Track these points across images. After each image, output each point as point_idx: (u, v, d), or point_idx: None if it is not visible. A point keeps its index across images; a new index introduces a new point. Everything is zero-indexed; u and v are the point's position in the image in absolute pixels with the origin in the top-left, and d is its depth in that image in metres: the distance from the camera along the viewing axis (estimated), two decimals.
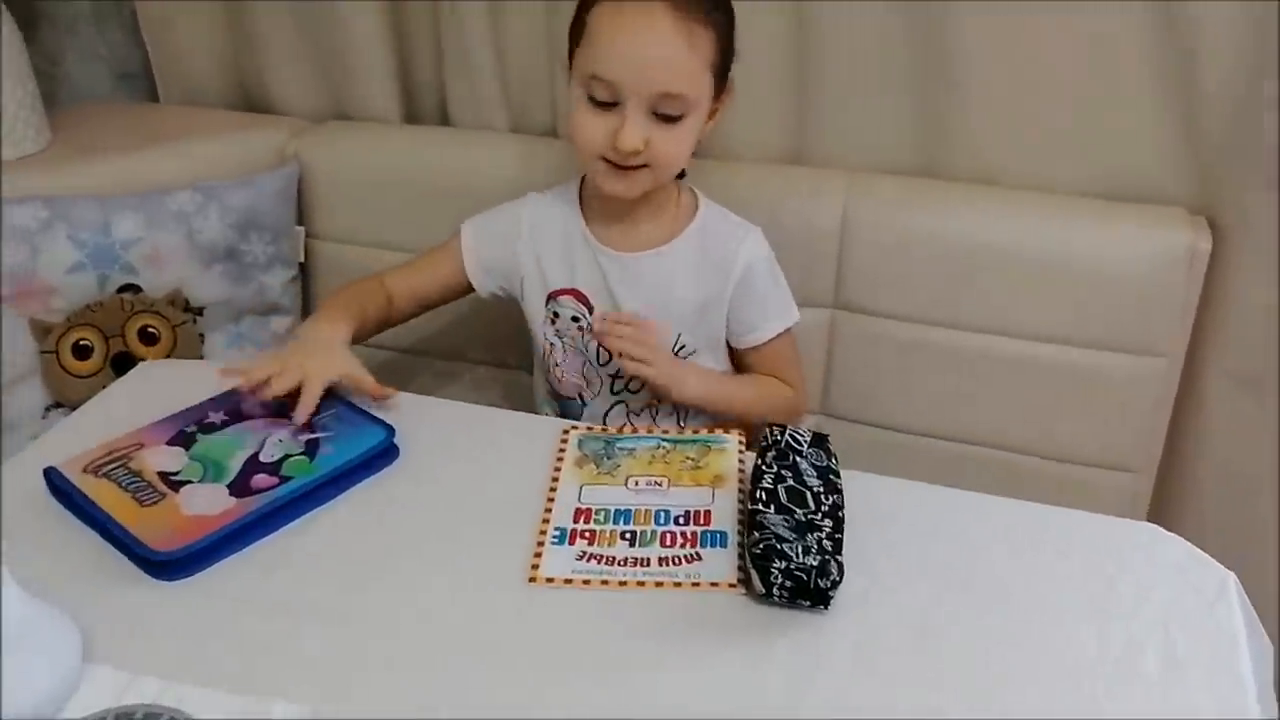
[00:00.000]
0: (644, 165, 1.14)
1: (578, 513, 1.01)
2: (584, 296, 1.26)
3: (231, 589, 0.91)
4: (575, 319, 1.27)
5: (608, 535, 0.98)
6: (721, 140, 1.47)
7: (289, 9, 1.65)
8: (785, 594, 0.87)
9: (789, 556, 0.87)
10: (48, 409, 1.46)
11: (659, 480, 1.05)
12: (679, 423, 1.31)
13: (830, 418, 1.50)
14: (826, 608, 0.88)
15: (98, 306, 1.44)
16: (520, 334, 1.38)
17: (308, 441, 1.06)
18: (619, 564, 0.94)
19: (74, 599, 0.84)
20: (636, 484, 1.05)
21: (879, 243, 1.40)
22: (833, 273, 1.42)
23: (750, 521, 0.93)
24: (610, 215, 1.25)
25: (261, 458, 1.04)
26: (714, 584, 0.92)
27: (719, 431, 1.12)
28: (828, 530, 0.92)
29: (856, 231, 1.40)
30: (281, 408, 1.09)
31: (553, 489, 1.04)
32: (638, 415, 1.32)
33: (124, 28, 1.83)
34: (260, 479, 1.01)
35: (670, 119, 1.12)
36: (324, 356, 1.13)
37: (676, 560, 0.94)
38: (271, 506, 0.97)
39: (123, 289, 1.47)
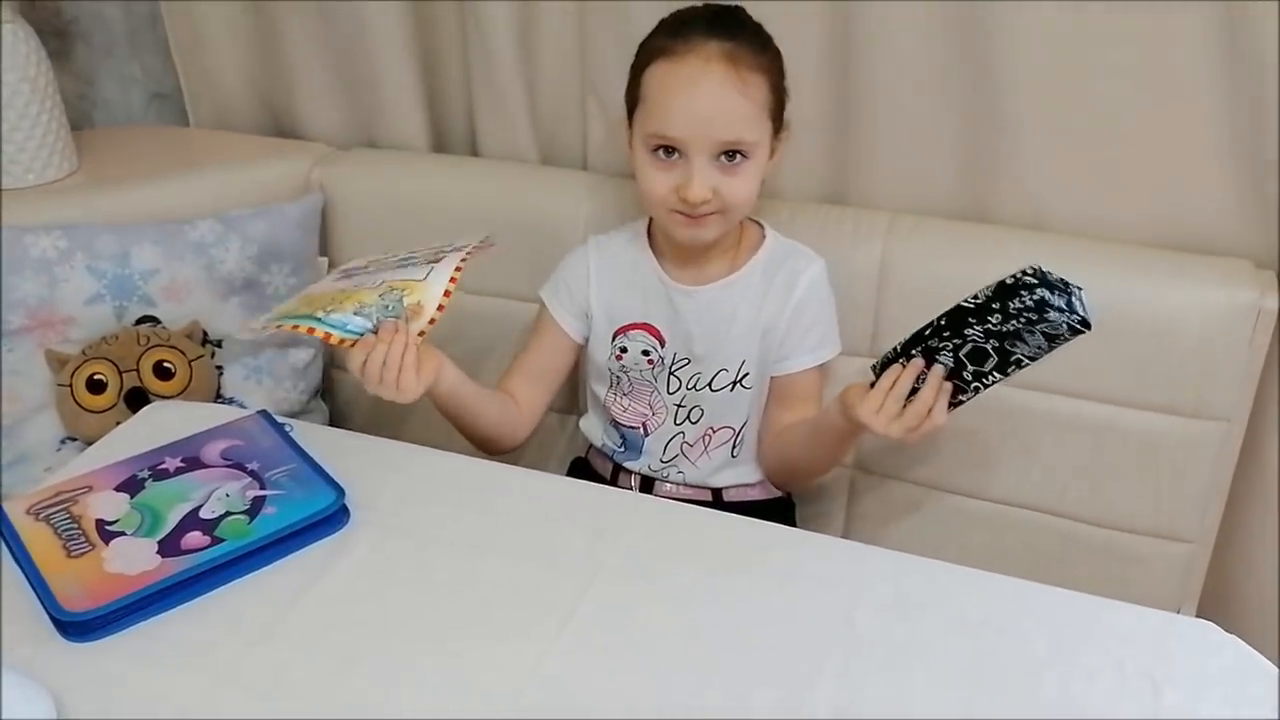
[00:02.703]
0: (715, 212, 1.16)
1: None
2: (656, 331, 1.28)
3: (145, 652, 0.88)
4: (646, 352, 1.29)
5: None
6: None
7: (319, 34, 1.63)
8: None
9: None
10: (63, 442, 1.43)
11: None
12: (732, 453, 1.31)
13: (865, 473, 1.43)
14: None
15: (113, 339, 1.41)
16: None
17: (254, 499, 1.01)
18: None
19: None
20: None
21: (920, 289, 1.32)
22: (870, 319, 1.36)
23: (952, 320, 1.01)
24: (682, 254, 1.27)
25: (203, 513, 1.00)
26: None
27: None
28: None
29: (896, 276, 1.34)
30: (241, 461, 1.06)
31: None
32: (692, 446, 1.31)
33: (157, 50, 1.82)
34: (192, 538, 0.96)
35: (734, 165, 1.14)
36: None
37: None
38: (196, 571, 0.93)
39: (140, 321, 1.44)
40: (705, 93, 1.10)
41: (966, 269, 1.30)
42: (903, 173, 1.40)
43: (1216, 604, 1.37)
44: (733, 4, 1.19)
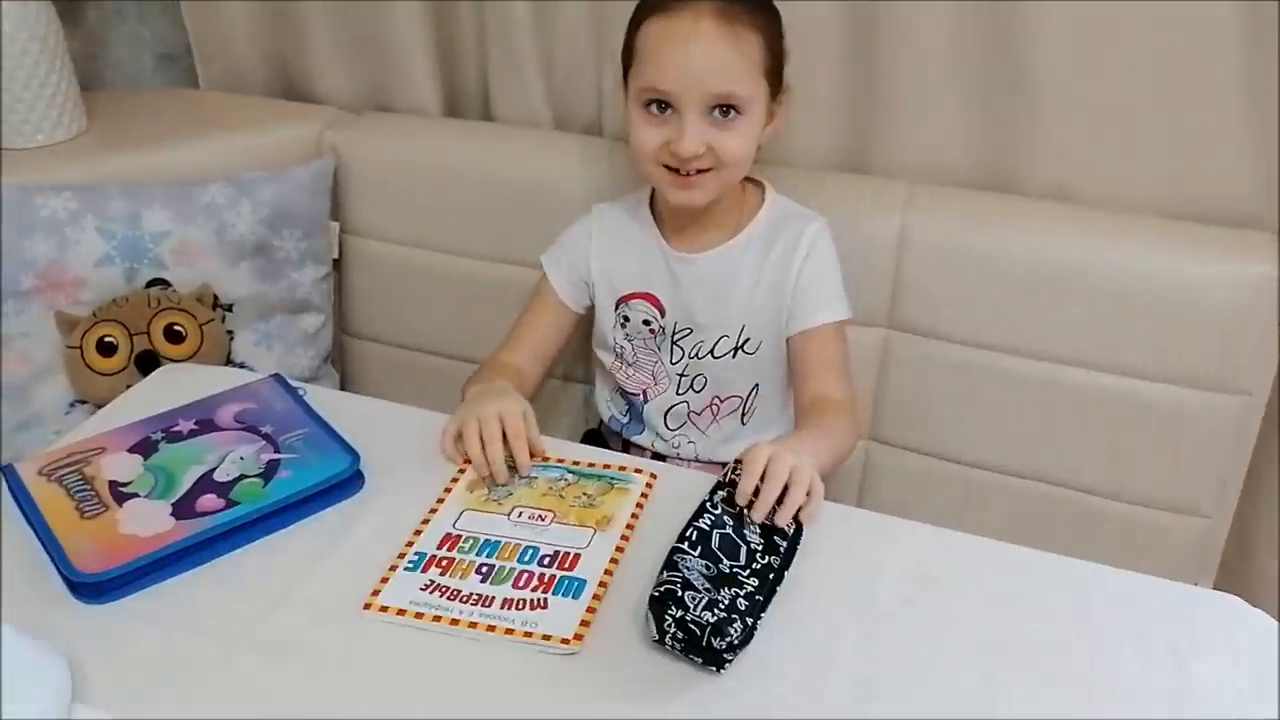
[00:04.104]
0: (709, 169, 1.14)
1: (445, 539, 0.96)
2: (656, 300, 1.27)
3: (159, 614, 0.87)
4: (647, 322, 1.28)
5: (464, 567, 0.92)
6: (776, 144, 1.40)
7: None
8: (677, 645, 0.82)
9: (686, 606, 0.82)
10: (72, 404, 1.42)
11: (544, 514, 0.99)
12: (741, 420, 1.30)
13: (880, 444, 1.42)
14: (719, 670, 0.81)
15: (124, 302, 1.39)
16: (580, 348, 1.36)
17: (268, 463, 1.01)
18: (462, 599, 0.88)
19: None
20: (520, 515, 0.99)
21: (940, 260, 1.32)
22: (889, 290, 1.34)
23: (666, 559, 0.88)
24: (683, 221, 1.25)
25: (217, 475, 0.99)
26: (546, 636, 0.85)
27: (631, 470, 1.06)
28: (749, 589, 0.86)
29: (916, 246, 1.32)
30: (255, 424, 1.06)
31: (434, 509, 0.99)
32: (699, 414, 1.30)
33: (167, 11, 1.80)
34: (207, 500, 0.96)
35: (727, 120, 1.12)
36: (503, 396, 1.09)
37: (521, 604, 0.88)
38: (210, 534, 0.92)
39: (151, 283, 1.43)
40: (697, 45, 1.09)
41: (986, 240, 1.31)
42: (923, 141, 1.38)
43: (1232, 578, 1.37)
44: None
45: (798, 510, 0.94)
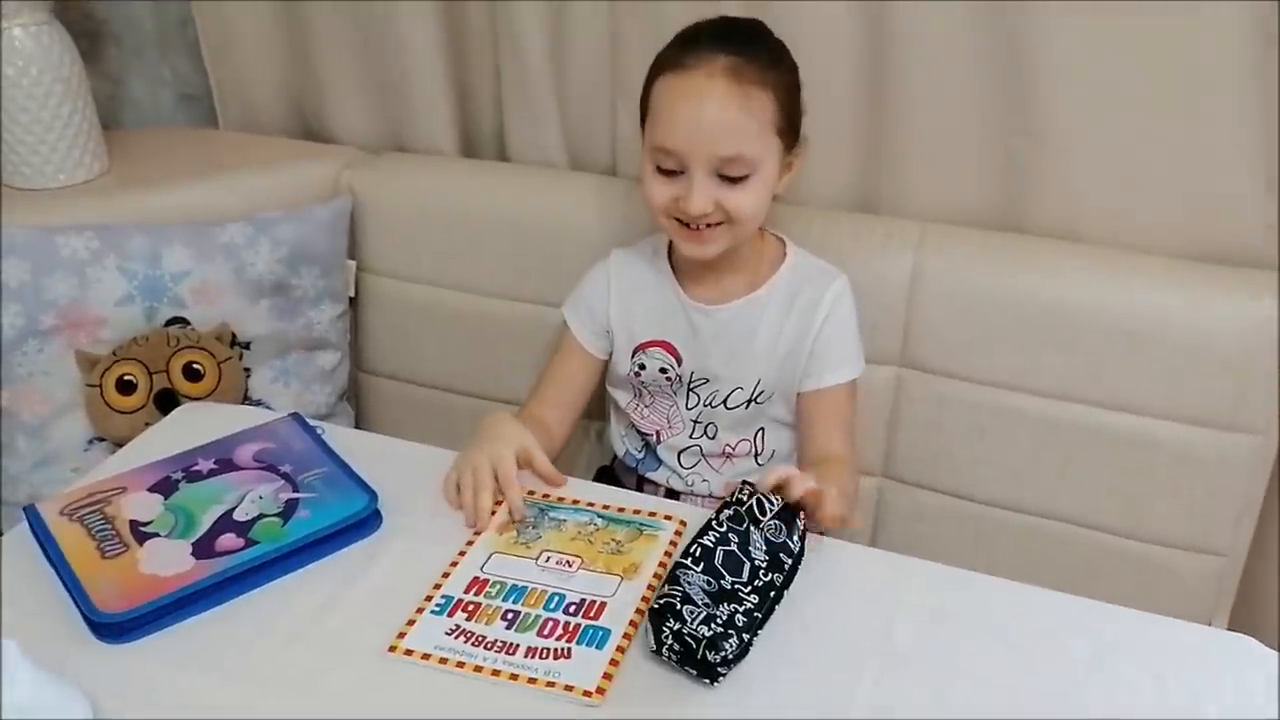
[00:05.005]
0: (720, 223, 1.15)
1: (473, 583, 0.96)
2: (674, 349, 1.27)
3: (179, 654, 0.88)
4: (664, 370, 1.28)
5: (490, 612, 0.92)
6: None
7: (350, 37, 1.63)
8: (673, 656, 0.84)
9: (683, 619, 0.84)
10: (90, 442, 1.44)
11: (571, 559, 0.99)
12: (756, 462, 1.30)
13: (893, 481, 1.43)
14: (713, 683, 0.84)
15: (144, 340, 1.41)
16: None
17: (287, 502, 1.01)
18: (487, 646, 0.89)
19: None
20: (547, 560, 0.99)
21: (952, 299, 1.33)
22: (901, 329, 1.35)
23: (669, 573, 0.91)
24: (699, 270, 1.25)
25: (236, 515, 1.00)
26: (569, 687, 0.84)
27: (661, 516, 1.06)
28: (749, 606, 0.88)
29: (928, 286, 1.33)
30: (274, 463, 1.07)
31: (462, 552, 1.00)
32: (712, 458, 1.31)
33: (187, 51, 1.83)
34: (226, 540, 0.96)
35: (736, 180, 1.12)
36: (497, 437, 1.10)
37: (545, 653, 0.88)
38: (230, 573, 0.93)
39: (170, 322, 1.44)
40: (707, 106, 1.09)
41: (998, 279, 1.32)
42: (935, 181, 1.39)
43: (1246, 616, 1.36)
44: (752, 18, 1.19)
45: (804, 526, 0.96)
